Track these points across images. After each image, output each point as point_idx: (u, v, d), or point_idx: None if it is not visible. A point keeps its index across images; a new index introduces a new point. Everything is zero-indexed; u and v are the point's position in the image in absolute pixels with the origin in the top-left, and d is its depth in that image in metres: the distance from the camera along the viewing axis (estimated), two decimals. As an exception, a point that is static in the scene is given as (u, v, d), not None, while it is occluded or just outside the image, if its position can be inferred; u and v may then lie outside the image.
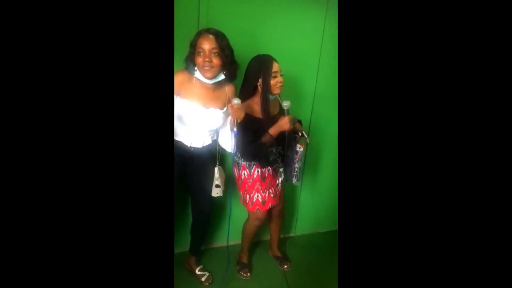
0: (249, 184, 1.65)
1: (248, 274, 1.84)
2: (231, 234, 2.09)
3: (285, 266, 1.93)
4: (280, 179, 1.72)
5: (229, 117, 1.45)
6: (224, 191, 1.65)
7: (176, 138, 1.46)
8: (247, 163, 1.62)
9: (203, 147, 1.51)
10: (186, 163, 1.53)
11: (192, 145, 1.48)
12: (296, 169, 1.63)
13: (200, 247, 1.82)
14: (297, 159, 1.61)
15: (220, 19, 1.62)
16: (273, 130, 1.49)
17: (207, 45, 1.30)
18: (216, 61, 1.32)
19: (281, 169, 1.70)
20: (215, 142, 1.58)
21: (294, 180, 1.66)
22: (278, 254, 2.00)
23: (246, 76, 1.52)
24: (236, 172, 1.68)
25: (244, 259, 1.91)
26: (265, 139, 1.50)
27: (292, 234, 2.31)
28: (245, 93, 1.52)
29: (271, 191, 1.68)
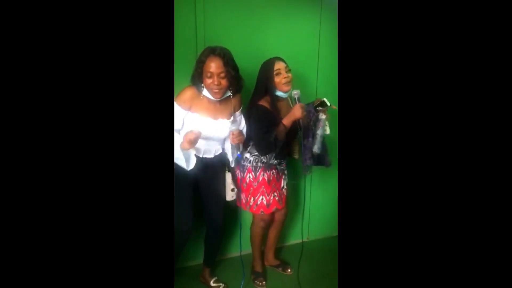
0: (255, 187, 1.65)
1: (264, 282, 1.82)
2: (244, 243, 2.07)
3: (289, 270, 1.90)
4: (285, 182, 1.72)
5: (233, 131, 1.48)
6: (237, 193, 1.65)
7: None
8: (253, 165, 1.63)
9: (215, 156, 1.55)
10: (199, 174, 1.55)
11: (204, 156, 1.51)
12: (317, 136, 1.61)
13: (215, 257, 1.80)
14: (319, 127, 1.59)
15: (217, 28, 1.65)
16: (287, 120, 1.51)
17: (215, 68, 1.34)
18: (224, 82, 1.37)
19: (285, 172, 1.70)
20: (223, 151, 1.61)
21: (316, 147, 1.62)
22: (277, 262, 1.96)
23: (256, 80, 1.57)
24: (239, 175, 1.67)
25: (258, 268, 1.88)
26: (279, 129, 1.50)
27: (305, 239, 2.27)
28: (256, 95, 1.57)
29: (276, 194, 1.68)
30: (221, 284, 1.75)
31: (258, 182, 1.64)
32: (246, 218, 2.00)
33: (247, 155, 1.64)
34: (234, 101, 1.51)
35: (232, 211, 1.94)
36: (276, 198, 1.68)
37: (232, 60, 1.38)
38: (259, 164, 1.63)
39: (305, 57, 1.91)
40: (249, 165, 1.64)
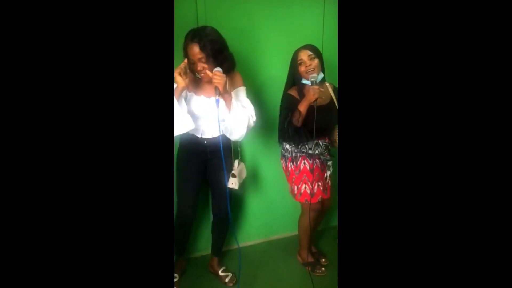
0: (296, 175, 1.67)
1: (323, 269, 1.81)
2: (249, 234, 2.09)
3: (323, 260, 1.89)
4: (329, 172, 1.71)
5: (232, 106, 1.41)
6: (241, 185, 1.61)
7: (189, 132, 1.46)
8: (293, 155, 1.66)
9: (214, 138, 1.52)
10: (204, 159, 1.56)
11: (202, 136, 1.51)
12: None
13: (222, 247, 1.82)
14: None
15: (219, 16, 1.65)
16: (301, 105, 1.49)
17: (194, 55, 1.34)
18: (206, 66, 1.36)
19: (329, 162, 1.70)
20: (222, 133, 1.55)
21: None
22: (313, 249, 1.96)
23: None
24: (283, 164, 1.73)
25: (309, 258, 1.85)
26: (293, 115, 1.50)
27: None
28: (286, 85, 1.64)
29: (320, 184, 1.67)
30: (229, 273, 1.77)
31: (299, 170, 1.66)
32: (254, 207, 2.02)
33: (287, 146, 1.66)
34: (228, 79, 1.45)
35: (238, 201, 1.95)
36: (321, 188, 1.67)
37: (212, 41, 1.33)
38: (298, 153, 1.65)
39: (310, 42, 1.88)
40: (289, 155, 1.67)
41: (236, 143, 1.59)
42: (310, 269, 1.80)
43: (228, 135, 1.46)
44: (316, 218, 1.77)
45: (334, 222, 2.30)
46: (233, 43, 1.68)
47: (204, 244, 1.92)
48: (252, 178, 1.96)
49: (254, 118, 1.48)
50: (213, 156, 1.55)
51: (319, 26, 1.88)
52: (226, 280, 1.74)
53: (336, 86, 1.69)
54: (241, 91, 1.51)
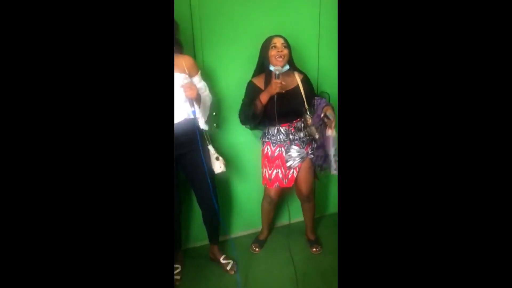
0: (262, 159, 1.79)
1: (257, 249, 1.96)
2: (247, 223, 2.12)
3: (314, 249, 1.94)
4: (293, 163, 1.70)
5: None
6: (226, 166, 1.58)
7: None
8: (262, 140, 1.76)
9: (184, 121, 1.45)
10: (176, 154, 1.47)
11: None
12: (323, 157, 1.64)
13: (218, 235, 1.83)
14: (329, 146, 1.61)
15: (213, 8, 1.64)
16: (263, 95, 1.55)
17: None
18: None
19: (294, 153, 1.69)
20: (193, 121, 1.47)
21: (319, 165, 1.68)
22: (310, 237, 2.02)
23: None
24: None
25: (261, 237, 2.03)
26: (255, 103, 1.56)
27: (319, 215, 2.30)
28: (257, 70, 1.67)
29: (280, 171, 1.72)
30: (230, 261, 1.80)
31: (263, 154, 1.77)
32: (247, 198, 2.05)
33: (264, 130, 1.73)
34: (183, 60, 1.44)
35: (227, 187, 1.97)
36: (280, 176, 1.72)
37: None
38: (265, 139, 1.73)
39: (306, 33, 1.88)
40: (261, 139, 1.79)
41: (202, 131, 1.53)
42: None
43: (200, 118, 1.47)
44: (271, 204, 1.87)
45: (330, 210, 2.36)
46: (227, 36, 1.70)
47: (203, 234, 1.94)
48: (238, 168, 1.97)
49: (211, 95, 1.58)
50: (185, 150, 1.48)
51: (316, 11, 1.87)
52: (228, 268, 1.78)
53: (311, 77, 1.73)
54: (198, 76, 1.52)
